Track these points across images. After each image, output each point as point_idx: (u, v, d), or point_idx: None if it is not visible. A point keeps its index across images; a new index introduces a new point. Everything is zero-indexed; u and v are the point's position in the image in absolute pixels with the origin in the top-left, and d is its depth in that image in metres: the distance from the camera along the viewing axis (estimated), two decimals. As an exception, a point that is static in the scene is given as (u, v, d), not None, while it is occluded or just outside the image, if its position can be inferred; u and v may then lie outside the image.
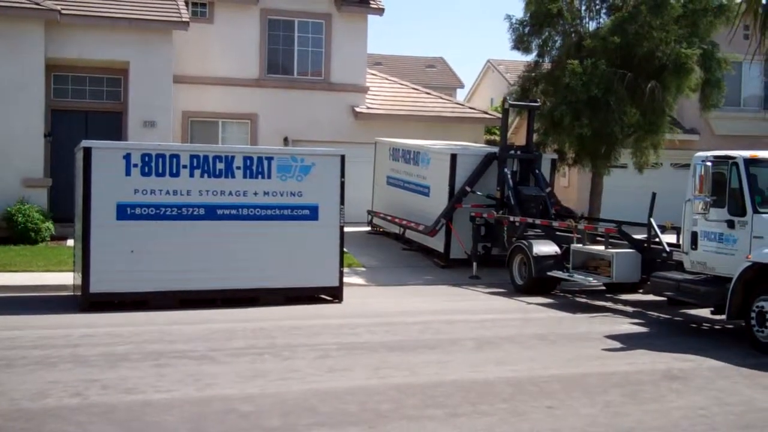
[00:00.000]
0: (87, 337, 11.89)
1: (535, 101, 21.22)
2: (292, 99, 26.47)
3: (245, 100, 26.10)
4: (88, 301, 14.23)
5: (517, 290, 17.43)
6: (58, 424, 8.02)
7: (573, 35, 21.95)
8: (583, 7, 22.46)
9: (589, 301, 16.50)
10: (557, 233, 17.67)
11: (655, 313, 15.18)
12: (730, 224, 12.81)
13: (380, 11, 27.09)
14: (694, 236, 13.46)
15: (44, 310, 14.11)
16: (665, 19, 20.22)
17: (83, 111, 23.61)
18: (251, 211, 15.13)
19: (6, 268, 17.40)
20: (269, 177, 15.21)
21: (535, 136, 21.45)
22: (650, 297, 15.70)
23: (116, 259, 14.31)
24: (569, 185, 29.18)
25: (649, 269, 15.04)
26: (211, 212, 14.89)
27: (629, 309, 15.67)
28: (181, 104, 24.94)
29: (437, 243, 20.67)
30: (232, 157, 15.08)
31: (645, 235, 15.49)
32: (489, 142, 29.59)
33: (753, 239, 12.42)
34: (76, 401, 8.71)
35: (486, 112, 30.18)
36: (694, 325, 14.45)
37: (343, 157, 15.71)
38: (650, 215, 15.42)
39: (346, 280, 16.37)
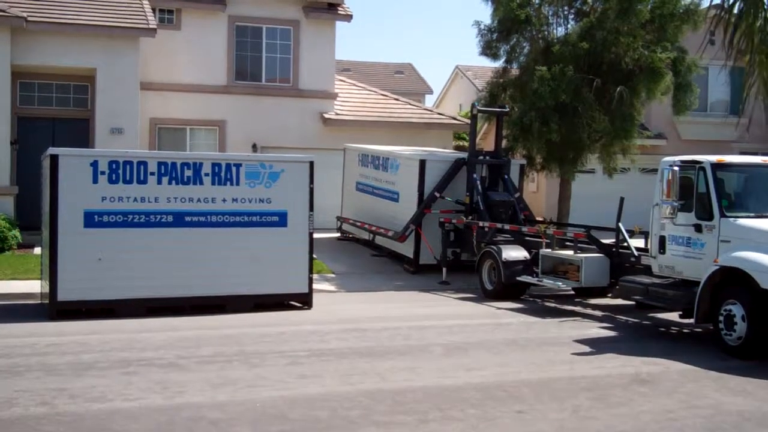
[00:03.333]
0: (54, 346, 11.78)
1: (504, 107, 21.31)
2: (260, 105, 26.39)
3: (213, 106, 25.98)
4: (55, 309, 14.09)
5: (486, 295, 17.46)
6: (24, 434, 7.94)
7: (541, 41, 22.04)
8: (551, 13, 22.55)
9: (559, 306, 16.55)
10: (526, 238, 17.69)
11: (624, 317, 15.26)
12: (698, 228, 12.90)
13: (348, 17, 27.10)
14: (662, 240, 13.55)
15: (11, 319, 13.96)
16: (633, 25, 20.35)
17: (50, 118, 23.46)
18: (220, 218, 15.06)
19: (-28, 276, 17.21)
20: (237, 184, 15.15)
21: (503, 142, 21.53)
22: (619, 301, 15.75)
23: (84, 267, 14.20)
24: (538, 190, 29.32)
25: (618, 273, 15.10)
26: (179, 219, 14.81)
27: (598, 313, 15.75)
28: (148, 111, 24.81)
29: (407, 249, 20.66)
30: (200, 164, 15.00)
31: (613, 240, 15.55)
32: (458, 148, 29.56)
33: (720, 243, 12.51)
34: (44, 410, 8.61)
35: (454, 118, 30.18)
36: (662, 329, 14.53)
37: (312, 164, 15.67)
38: (618, 220, 15.47)
39: (315, 286, 16.34)
